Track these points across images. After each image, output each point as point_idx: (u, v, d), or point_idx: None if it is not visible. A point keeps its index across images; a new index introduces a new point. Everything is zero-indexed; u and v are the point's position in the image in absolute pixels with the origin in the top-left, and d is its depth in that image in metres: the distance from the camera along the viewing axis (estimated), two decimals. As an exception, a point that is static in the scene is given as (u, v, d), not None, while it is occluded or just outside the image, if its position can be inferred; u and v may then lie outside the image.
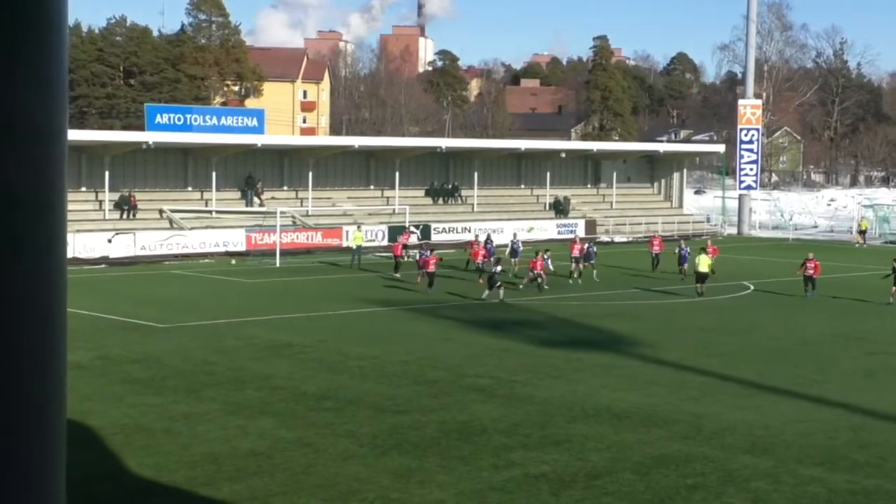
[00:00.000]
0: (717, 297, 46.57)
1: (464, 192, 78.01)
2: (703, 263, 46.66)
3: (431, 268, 46.07)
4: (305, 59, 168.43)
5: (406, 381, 27.80)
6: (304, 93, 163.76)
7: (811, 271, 46.19)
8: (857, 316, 41.82)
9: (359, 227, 61.72)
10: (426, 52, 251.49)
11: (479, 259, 49.44)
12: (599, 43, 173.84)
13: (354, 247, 57.45)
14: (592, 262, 51.51)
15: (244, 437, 22.05)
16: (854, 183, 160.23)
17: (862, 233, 79.57)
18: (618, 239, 76.18)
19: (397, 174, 73.51)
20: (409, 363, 30.30)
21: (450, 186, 77.80)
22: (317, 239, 65.85)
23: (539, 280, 46.85)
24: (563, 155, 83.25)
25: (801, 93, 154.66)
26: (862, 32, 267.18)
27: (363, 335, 35.10)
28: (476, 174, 77.47)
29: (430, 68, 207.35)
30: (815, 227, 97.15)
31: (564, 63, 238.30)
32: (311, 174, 70.11)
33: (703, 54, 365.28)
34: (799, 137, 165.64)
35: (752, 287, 49.57)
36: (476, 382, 27.81)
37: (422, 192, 76.83)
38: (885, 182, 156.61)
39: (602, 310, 42.17)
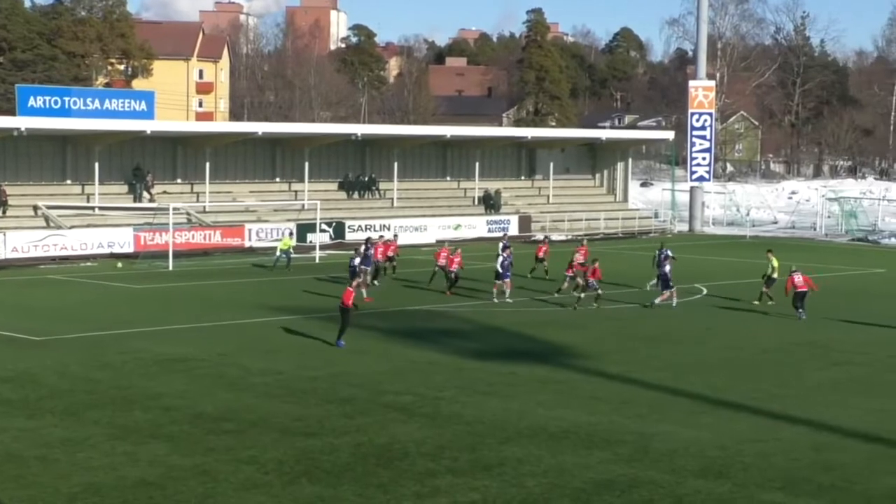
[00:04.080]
0: (664, 303, 46.91)
1: (382, 186, 77.93)
2: (772, 266, 46.94)
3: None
4: (201, 35, 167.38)
5: (317, 400, 27.74)
6: (200, 72, 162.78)
7: (802, 286, 43.37)
8: (821, 322, 42.33)
9: (290, 234, 61.65)
10: (338, 28, 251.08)
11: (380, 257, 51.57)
12: (534, 17, 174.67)
13: (279, 252, 57.62)
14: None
15: (132, 465, 21.86)
16: (818, 173, 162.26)
17: None
18: (555, 237, 76.50)
19: (307, 165, 73.28)
20: (320, 379, 30.23)
21: (366, 179, 77.69)
22: (215, 238, 65.47)
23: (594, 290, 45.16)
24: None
25: (758, 73, 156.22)
26: (825, 5, 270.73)
27: (268, 348, 34.95)
28: (396, 165, 77.45)
29: (343, 45, 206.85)
30: (775, 222, 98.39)
31: (495, 40, 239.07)
32: (208, 165, 69.68)
33: (649, 30, 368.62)
34: (756, 123, 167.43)
35: (705, 291, 50.05)
36: (397, 400, 27.83)
37: (335, 186, 76.66)
38: (852, 172, 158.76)
39: (539, 317, 42.35)
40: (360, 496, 20.25)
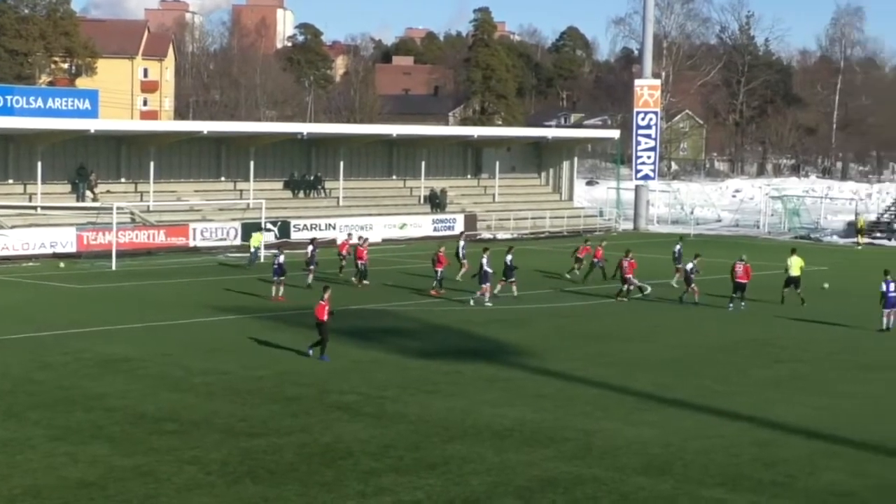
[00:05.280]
0: (610, 300, 47.13)
1: (328, 185, 77.72)
2: (795, 266, 47.18)
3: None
4: (146, 33, 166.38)
5: (261, 400, 27.64)
6: (145, 71, 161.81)
7: (741, 276, 45.25)
8: (766, 319, 42.72)
9: (261, 230, 61.62)
10: (285, 26, 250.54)
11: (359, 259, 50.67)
12: (481, 16, 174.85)
13: (252, 248, 57.48)
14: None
15: (73, 466, 21.69)
16: (761, 172, 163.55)
17: (860, 231, 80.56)
18: (500, 235, 76.64)
19: (252, 164, 72.95)
20: (265, 379, 30.13)
21: (312, 178, 77.46)
22: (159, 238, 65.02)
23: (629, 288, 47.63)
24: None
25: (703, 72, 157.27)
26: (770, 5, 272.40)
27: (212, 347, 34.78)
28: (342, 164, 77.24)
29: (289, 44, 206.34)
30: (719, 220, 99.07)
31: (441, 38, 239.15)
32: (152, 164, 69.24)
33: (595, 29, 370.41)
34: (701, 122, 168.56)
35: (649, 288, 50.22)
36: (341, 399, 27.78)
37: (280, 185, 76.36)
38: (795, 171, 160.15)
39: (485, 315, 42.38)
40: (304, 496, 20.20)
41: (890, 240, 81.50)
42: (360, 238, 54.20)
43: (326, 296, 33.94)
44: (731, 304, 45.11)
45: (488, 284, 45.30)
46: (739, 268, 45.20)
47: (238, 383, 29.49)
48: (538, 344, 36.29)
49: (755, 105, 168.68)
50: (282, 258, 46.59)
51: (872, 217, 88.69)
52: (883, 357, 35.65)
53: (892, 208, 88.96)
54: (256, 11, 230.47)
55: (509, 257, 47.36)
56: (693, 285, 46.48)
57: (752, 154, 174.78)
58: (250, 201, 70.72)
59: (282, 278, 45.78)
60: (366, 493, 20.45)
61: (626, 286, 47.53)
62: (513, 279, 46.80)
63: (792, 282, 46.94)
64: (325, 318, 33.28)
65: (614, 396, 28.88)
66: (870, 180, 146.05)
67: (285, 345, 35.18)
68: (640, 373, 32.02)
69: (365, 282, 50.05)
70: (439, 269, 48.19)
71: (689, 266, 46.92)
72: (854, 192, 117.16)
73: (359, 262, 50.57)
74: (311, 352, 33.24)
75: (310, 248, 50.33)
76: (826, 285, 44.98)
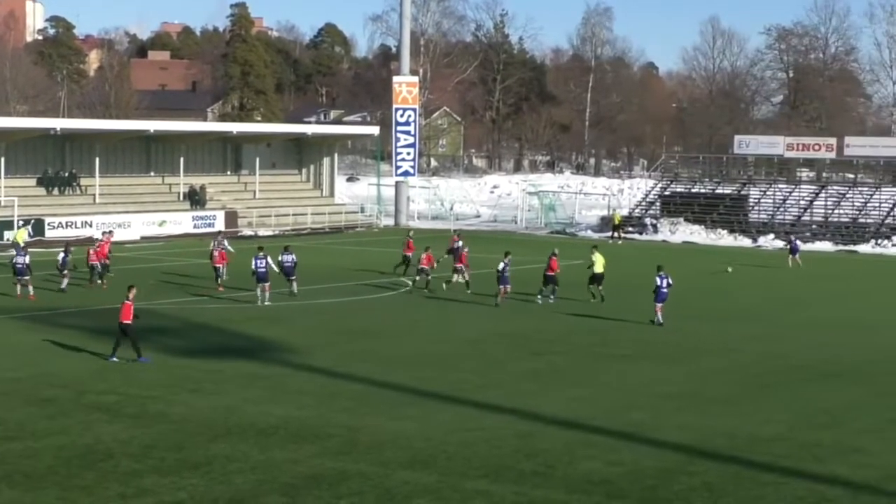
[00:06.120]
0: (372, 297, 47.41)
1: (83, 181, 76.12)
2: (599, 263, 47.32)
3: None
4: None
5: (16, 402, 26.91)
6: None
7: (550, 270, 46.16)
8: (522, 312, 43.53)
9: (24, 226, 59.66)
10: (35, 19, 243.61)
11: (102, 258, 48.77)
12: (238, 11, 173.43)
13: (21, 244, 55.26)
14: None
15: None
16: (518, 168, 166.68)
17: (616, 227, 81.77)
18: (262, 232, 76.22)
19: (3, 161, 70.94)
20: (21, 381, 29.34)
21: (66, 174, 75.77)
22: None
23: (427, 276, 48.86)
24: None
25: (460, 69, 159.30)
26: (523, 4, 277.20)
27: (-36, 350, 33.74)
28: (97, 160, 75.72)
29: (40, 37, 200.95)
30: (478, 216, 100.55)
31: (198, 33, 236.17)
32: None
33: (353, 26, 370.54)
34: (459, 119, 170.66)
35: (410, 284, 50.66)
36: (101, 400, 27.25)
37: (33, 182, 74.47)
38: (551, 167, 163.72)
39: (245, 313, 42.12)
40: (63, 500, 19.76)
41: (642, 234, 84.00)
42: (105, 234, 53.32)
43: (131, 295, 33.02)
44: (539, 297, 46.03)
45: (268, 283, 44.79)
46: (550, 261, 46.31)
47: (-8, 386, 28.69)
48: (300, 341, 36.25)
49: (511, 102, 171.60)
50: (27, 257, 45.32)
51: (625, 212, 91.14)
52: (637, 349, 36.66)
53: (643, 204, 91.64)
54: (4, 3, 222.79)
55: (291, 256, 46.90)
56: (507, 285, 45.44)
57: (509, 151, 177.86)
58: (2, 199, 68.81)
59: (26, 278, 44.62)
60: (127, 494, 20.12)
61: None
62: (293, 277, 46.53)
63: (596, 279, 47.55)
64: (131, 318, 32.32)
65: (377, 392, 29.07)
66: (621, 176, 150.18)
67: (41, 345, 34.38)
68: (402, 368, 32.28)
69: (100, 281, 48.43)
70: (219, 266, 48.06)
71: (501, 266, 45.87)
72: (607, 188, 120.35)
73: (91, 262, 48.59)
74: (114, 358, 32.09)
75: (62, 254, 48.79)
76: (730, 269, 45.56)
